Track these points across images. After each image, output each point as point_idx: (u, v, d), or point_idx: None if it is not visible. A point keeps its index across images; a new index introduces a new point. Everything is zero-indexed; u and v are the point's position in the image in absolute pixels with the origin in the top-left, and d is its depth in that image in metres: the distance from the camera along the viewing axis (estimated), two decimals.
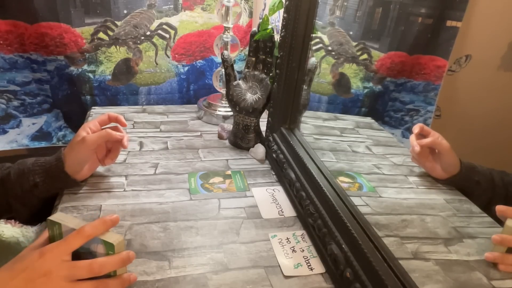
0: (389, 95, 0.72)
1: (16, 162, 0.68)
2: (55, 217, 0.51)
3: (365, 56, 0.77)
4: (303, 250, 0.64)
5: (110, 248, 0.49)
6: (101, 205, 0.70)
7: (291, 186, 0.74)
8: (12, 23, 0.99)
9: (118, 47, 1.12)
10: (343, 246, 0.55)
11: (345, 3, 0.82)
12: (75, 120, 1.16)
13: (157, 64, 1.17)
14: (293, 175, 0.74)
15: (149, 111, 1.12)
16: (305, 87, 0.80)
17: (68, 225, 0.50)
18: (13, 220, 0.69)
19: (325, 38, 0.86)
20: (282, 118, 0.83)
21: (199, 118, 1.10)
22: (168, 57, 1.18)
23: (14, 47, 1.02)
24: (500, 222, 0.47)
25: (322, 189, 0.63)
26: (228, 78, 0.91)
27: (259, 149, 0.91)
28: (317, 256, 0.63)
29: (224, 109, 1.06)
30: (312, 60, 0.80)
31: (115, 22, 1.08)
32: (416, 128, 0.60)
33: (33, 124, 1.13)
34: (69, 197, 0.71)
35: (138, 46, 1.13)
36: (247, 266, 0.60)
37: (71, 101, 1.14)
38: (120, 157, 0.85)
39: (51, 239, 0.51)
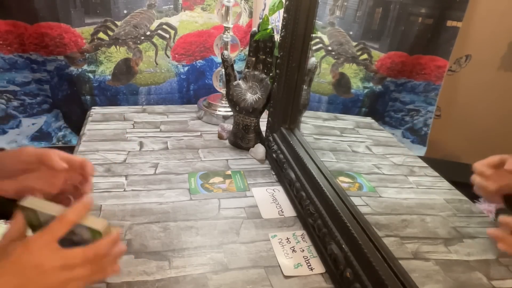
0: (390, 95, 0.72)
1: None
2: (29, 202, 0.47)
3: (365, 56, 0.77)
4: (303, 250, 0.64)
5: (97, 234, 0.48)
6: (101, 205, 0.70)
7: (291, 186, 0.74)
8: (12, 23, 0.99)
9: (118, 47, 1.11)
10: (343, 246, 0.55)
11: (345, 3, 0.82)
12: (75, 120, 1.16)
13: (157, 64, 1.17)
14: (293, 175, 0.74)
15: (149, 111, 1.12)
16: (305, 87, 0.80)
17: (46, 212, 0.47)
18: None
19: (325, 38, 0.86)
20: (282, 118, 0.83)
21: (199, 118, 1.10)
22: (168, 57, 1.18)
23: (14, 47, 1.02)
24: None
25: (322, 189, 0.63)
26: (228, 78, 0.91)
27: (259, 149, 0.91)
28: (317, 256, 0.63)
29: (224, 109, 1.06)
30: (312, 60, 0.80)
31: (115, 22, 1.08)
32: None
33: (33, 124, 1.13)
34: None
35: (138, 46, 1.13)
36: (247, 266, 0.60)
37: (71, 101, 1.14)
38: (120, 157, 0.85)
39: (30, 226, 0.48)
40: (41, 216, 0.48)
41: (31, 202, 0.48)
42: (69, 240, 0.48)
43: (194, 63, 1.22)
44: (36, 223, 0.48)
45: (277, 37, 0.84)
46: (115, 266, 0.50)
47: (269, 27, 0.84)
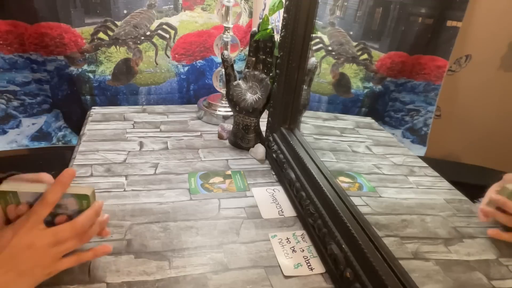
0: (389, 95, 0.72)
1: None
2: (7, 186, 0.48)
3: (365, 56, 0.77)
4: (303, 250, 0.64)
5: (84, 198, 0.49)
6: None
7: (291, 186, 0.74)
8: (12, 23, 0.99)
9: (118, 47, 1.11)
10: (343, 246, 0.55)
11: (345, 3, 0.82)
12: (75, 120, 1.16)
13: (157, 64, 1.17)
14: (293, 175, 0.74)
15: (149, 111, 1.12)
16: (305, 87, 0.80)
17: (26, 190, 0.48)
18: None
19: (325, 38, 0.86)
20: (282, 118, 0.83)
21: (199, 118, 1.10)
22: (168, 57, 1.18)
23: (14, 47, 1.02)
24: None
25: (322, 189, 0.63)
26: (228, 78, 0.91)
27: (259, 149, 0.91)
28: (317, 256, 0.63)
29: (224, 109, 1.06)
30: (312, 60, 0.80)
31: (115, 22, 1.08)
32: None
33: (33, 124, 1.13)
34: None
35: (138, 46, 1.13)
36: (247, 266, 0.60)
37: (71, 101, 1.14)
38: (120, 157, 0.85)
39: (4, 209, 0.49)
40: (23, 197, 0.49)
41: (10, 185, 0.49)
42: (54, 213, 0.49)
43: (194, 63, 1.22)
44: (15, 203, 0.49)
45: (277, 37, 0.84)
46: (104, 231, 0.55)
47: (269, 27, 0.84)
